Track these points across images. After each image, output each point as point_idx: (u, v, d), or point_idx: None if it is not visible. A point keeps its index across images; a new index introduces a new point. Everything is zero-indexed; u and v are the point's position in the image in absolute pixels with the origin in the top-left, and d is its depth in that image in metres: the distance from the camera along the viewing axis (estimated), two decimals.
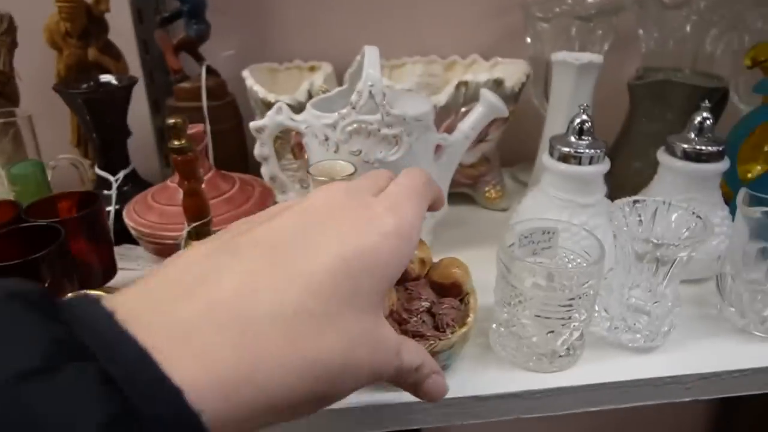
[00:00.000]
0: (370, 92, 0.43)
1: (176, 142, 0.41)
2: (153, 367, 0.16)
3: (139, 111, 0.63)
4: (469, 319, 0.37)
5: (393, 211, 0.25)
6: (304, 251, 0.22)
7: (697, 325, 0.44)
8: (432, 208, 0.29)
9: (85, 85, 0.54)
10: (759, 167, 0.57)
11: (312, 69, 0.63)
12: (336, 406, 0.36)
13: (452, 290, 0.39)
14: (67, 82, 0.55)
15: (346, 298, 0.22)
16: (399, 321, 0.36)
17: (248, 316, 0.20)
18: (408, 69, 0.64)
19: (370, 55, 0.44)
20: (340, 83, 0.61)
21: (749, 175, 0.57)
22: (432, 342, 0.35)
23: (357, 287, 0.23)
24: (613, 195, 0.46)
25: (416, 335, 0.36)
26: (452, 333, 0.36)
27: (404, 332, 0.35)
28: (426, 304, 0.37)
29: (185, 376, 0.17)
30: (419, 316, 0.37)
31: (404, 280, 0.38)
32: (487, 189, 0.58)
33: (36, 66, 0.60)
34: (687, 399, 0.40)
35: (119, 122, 0.55)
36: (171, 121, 0.40)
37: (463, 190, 0.59)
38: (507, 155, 0.64)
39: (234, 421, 0.18)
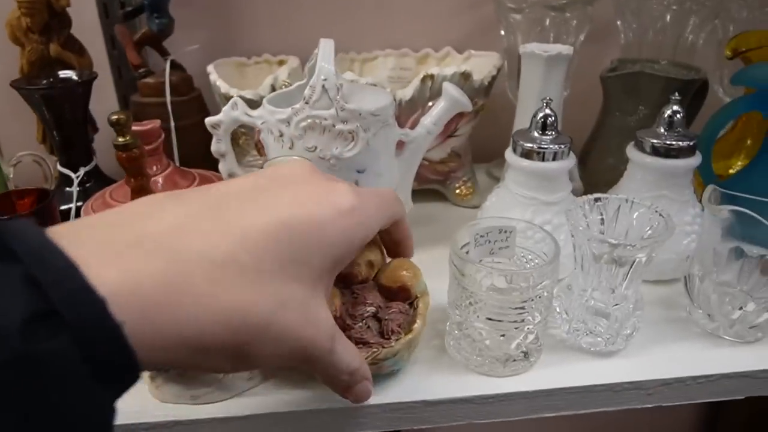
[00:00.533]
0: (323, 87, 0.41)
1: (120, 139, 0.40)
2: (79, 275, 0.17)
3: (107, 106, 0.62)
4: (416, 326, 0.35)
5: (356, 193, 0.25)
6: (248, 210, 0.23)
7: (664, 328, 0.42)
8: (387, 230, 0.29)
9: (45, 81, 0.53)
10: (740, 162, 0.54)
11: (281, 63, 0.62)
12: (281, 409, 0.36)
13: (400, 294, 0.37)
14: (29, 78, 0.54)
15: (282, 263, 0.22)
16: (343, 327, 0.35)
17: (176, 251, 0.20)
18: (380, 62, 0.62)
19: (324, 48, 0.42)
20: None
21: (731, 171, 0.55)
22: (375, 350, 0.33)
23: (295, 255, 0.23)
24: (586, 191, 0.44)
25: (360, 342, 0.34)
26: (397, 340, 0.35)
27: (348, 339, 0.34)
28: (372, 309, 0.36)
29: (109, 289, 0.17)
30: (364, 321, 0.35)
31: (351, 284, 0.37)
32: (457, 185, 0.56)
33: (5, 62, 0.60)
34: (649, 405, 0.38)
35: (80, 118, 0.54)
36: (113, 117, 0.39)
37: (433, 187, 0.58)
38: (482, 151, 0.62)
39: (148, 346, 0.18)
